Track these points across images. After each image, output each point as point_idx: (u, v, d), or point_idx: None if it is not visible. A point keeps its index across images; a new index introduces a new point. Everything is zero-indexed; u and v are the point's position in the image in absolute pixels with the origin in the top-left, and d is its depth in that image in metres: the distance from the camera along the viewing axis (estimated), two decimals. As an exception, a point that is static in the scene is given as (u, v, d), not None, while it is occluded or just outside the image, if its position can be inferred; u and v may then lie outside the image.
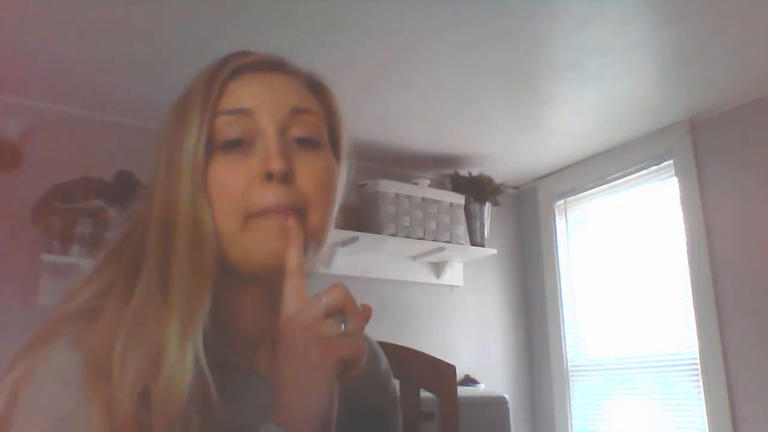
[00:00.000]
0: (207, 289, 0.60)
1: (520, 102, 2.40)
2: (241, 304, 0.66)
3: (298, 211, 0.62)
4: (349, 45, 2.00)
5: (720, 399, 2.31)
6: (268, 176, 0.61)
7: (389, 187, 2.65)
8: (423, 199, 2.74)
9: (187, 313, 0.58)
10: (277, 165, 0.61)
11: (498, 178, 2.92)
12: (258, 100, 0.64)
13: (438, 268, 2.95)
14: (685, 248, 2.50)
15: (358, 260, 2.75)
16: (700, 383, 2.40)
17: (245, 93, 0.65)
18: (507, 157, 2.92)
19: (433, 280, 2.94)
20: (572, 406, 2.91)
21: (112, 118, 2.39)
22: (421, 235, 2.70)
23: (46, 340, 0.58)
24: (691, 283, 2.46)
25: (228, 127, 0.63)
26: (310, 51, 2.01)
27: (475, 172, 2.88)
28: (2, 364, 0.60)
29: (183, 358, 0.55)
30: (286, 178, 0.61)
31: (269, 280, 0.65)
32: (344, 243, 2.58)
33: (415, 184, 2.80)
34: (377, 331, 2.92)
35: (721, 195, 2.43)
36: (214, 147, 0.63)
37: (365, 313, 0.60)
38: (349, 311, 0.57)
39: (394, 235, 2.62)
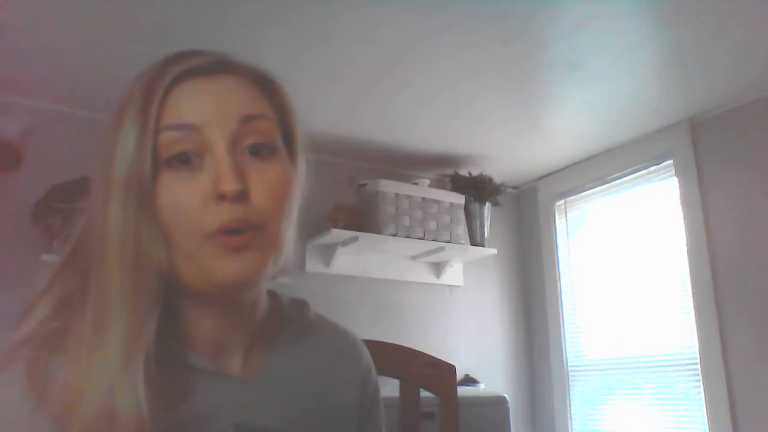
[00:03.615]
0: (148, 319, 0.58)
1: (520, 102, 2.40)
2: (200, 315, 0.65)
3: (256, 226, 0.61)
4: (350, 45, 1.99)
5: (720, 399, 2.31)
6: (222, 197, 0.59)
7: (389, 187, 2.65)
8: (423, 199, 2.74)
9: (127, 348, 0.56)
10: (229, 186, 0.58)
11: (498, 178, 2.92)
12: (204, 113, 0.61)
13: (438, 268, 2.95)
14: (685, 248, 2.50)
15: (358, 260, 2.75)
16: (700, 383, 2.40)
17: (189, 105, 0.61)
18: (507, 157, 2.92)
19: (433, 280, 2.94)
20: (572, 406, 2.91)
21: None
22: (421, 235, 2.70)
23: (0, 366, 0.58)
24: (691, 283, 2.46)
25: (174, 144, 0.60)
26: (309, 51, 2.01)
27: (475, 172, 2.88)
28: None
29: (125, 399, 0.55)
30: (240, 196, 0.59)
31: (227, 297, 0.65)
32: (344, 243, 2.58)
33: (415, 184, 2.80)
34: (377, 330, 2.93)
35: (721, 195, 2.43)
36: (160, 163, 0.59)
37: None
38: None
39: (394, 235, 2.62)
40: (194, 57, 0.63)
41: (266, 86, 0.67)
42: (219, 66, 0.64)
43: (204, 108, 0.61)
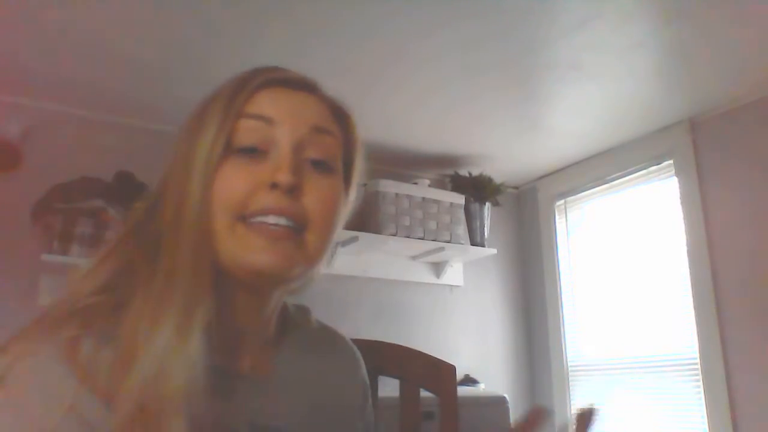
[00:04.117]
0: (208, 290, 0.60)
1: (520, 102, 2.40)
2: (225, 304, 0.65)
3: (297, 226, 0.63)
4: (348, 44, 1.99)
5: (720, 399, 2.31)
6: (274, 186, 0.62)
7: (389, 187, 2.65)
8: (423, 199, 2.74)
9: (186, 316, 0.57)
10: (285, 177, 0.61)
11: (498, 178, 2.92)
12: (281, 112, 0.65)
13: (438, 268, 2.95)
14: (685, 248, 2.50)
15: (358, 260, 2.75)
16: (700, 383, 2.40)
17: (270, 103, 0.66)
18: (507, 157, 2.92)
19: (433, 280, 2.94)
20: (572, 406, 2.91)
21: (112, 118, 2.39)
22: (421, 235, 2.70)
23: (37, 340, 0.56)
24: (691, 283, 2.46)
25: (246, 132, 0.64)
26: (308, 51, 2.01)
27: (475, 172, 2.88)
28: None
29: (183, 353, 0.55)
30: (292, 192, 0.62)
31: (257, 286, 0.66)
32: (344, 243, 2.58)
33: (415, 184, 2.80)
34: (377, 330, 2.93)
35: (722, 195, 2.43)
36: (231, 149, 0.63)
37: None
38: None
39: (394, 235, 2.62)
40: (285, 71, 0.70)
41: (339, 114, 0.73)
42: (305, 84, 0.70)
43: (282, 108, 0.66)
